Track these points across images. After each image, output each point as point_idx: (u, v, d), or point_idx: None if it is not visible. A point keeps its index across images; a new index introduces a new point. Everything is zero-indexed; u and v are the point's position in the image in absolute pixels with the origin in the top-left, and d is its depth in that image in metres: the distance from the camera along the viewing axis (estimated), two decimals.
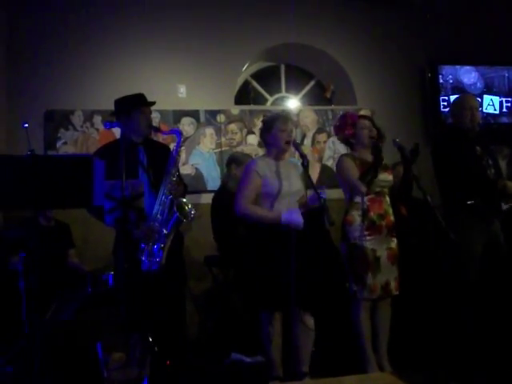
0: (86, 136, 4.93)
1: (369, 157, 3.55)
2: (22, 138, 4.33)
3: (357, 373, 3.30)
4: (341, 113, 5.35)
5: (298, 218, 3.12)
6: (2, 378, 2.57)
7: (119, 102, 3.47)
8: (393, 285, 3.46)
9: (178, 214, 3.17)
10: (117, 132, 4.61)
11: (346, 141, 3.67)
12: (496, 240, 3.53)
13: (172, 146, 3.50)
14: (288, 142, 3.28)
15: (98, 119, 4.92)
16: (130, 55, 5.10)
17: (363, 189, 3.40)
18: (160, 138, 4.28)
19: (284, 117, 3.44)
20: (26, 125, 3.23)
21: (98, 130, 4.93)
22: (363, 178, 3.38)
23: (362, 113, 5.26)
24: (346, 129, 3.59)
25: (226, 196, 4.46)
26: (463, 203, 3.47)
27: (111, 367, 1.22)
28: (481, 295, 3.43)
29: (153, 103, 3.51)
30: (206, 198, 4.80)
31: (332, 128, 5.23)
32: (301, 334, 3.26)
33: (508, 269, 3.52)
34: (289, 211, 3.14)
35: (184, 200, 3.28)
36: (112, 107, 3.59)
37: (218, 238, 4.45)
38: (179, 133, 3.41)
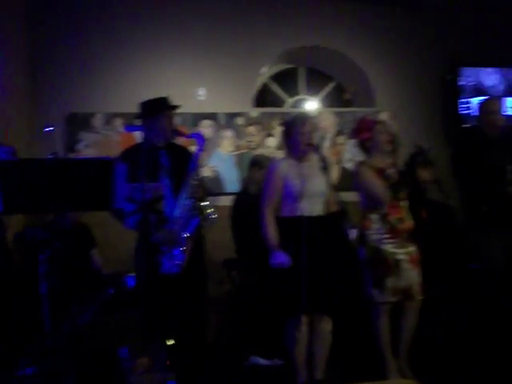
0: (107, 138, 4.99)
1: (384, 163, 3.55)
2: (44, 141, 4.41)
3: (377, 379, 3.27)
4: (360, 115, 5.37)
5: (281, 260, 3.12)
6: (24, 379, 2.60)
7: (144, 105, 3.47)
8: (416, 289, 3.43)
9: (198, 217, 3.18)
10: (138, 135, 4.64)
11: (362, 145, 3.67)
12: None
13: (193, 150, 3.51)
14: (309, 145, 3.27)
15: (118, 122, 4.97)
16: (151, 59, 5.14)
17: (386, 201, 3.40)
18: (179, 141, 4.29)
19: (303, 119, 3.43)
20: (51, 128, 3.26)
21: (118, 132, 4.98)
22: (390, 190, 3.39)
23: (381, 115, 5.26)
24: (363, 133, 3.59)
25: (247, 199, 4.46)
26: (480, 208, 3.46)
27: (137, 372, 1.22)
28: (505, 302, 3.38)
29: (177, 107, 3.52)
30: (225, 201, 4.79)
31: (350, 131, 5.25)
32: (317, 339, 3.25)
33: None
34: (278, 254, 3.13)
35: (204, 203, 3.29)
36: (132, 110, 3.61)
37: (238, 241, 4.45)
38: (201, 137, 3.42)
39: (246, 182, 4.65)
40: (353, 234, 3.06)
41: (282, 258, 3.12)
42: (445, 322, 3.69)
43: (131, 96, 4.69)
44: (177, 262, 3.20)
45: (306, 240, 3.11)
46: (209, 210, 3.26)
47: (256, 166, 4.49)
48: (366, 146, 3.63)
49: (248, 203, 4.36)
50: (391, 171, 3.54)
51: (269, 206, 3.27)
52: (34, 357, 3.13)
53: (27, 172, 2.49)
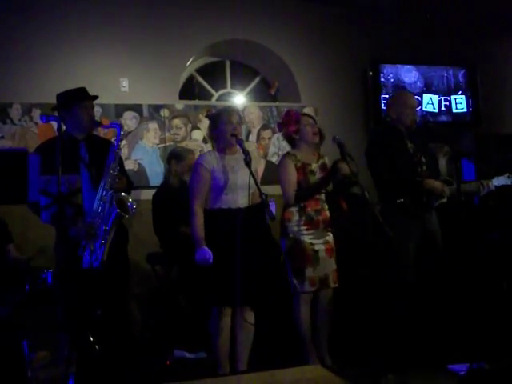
0: (25, 130, 4.78)
1: (310, 156, 3.61)
2: None
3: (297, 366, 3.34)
4: (285, 110, 5.44)
5: (204, 256, 3.12)
6: None
7: (60, 96, 3.40)
8: (331, 278, 3.54)
9: (117, 209, 3.12)
10: (56, 126, 4.50)
11: (289, 137, 3.72)
12: (431, 238, 3.60)
13: (113, 141, 3.45)
14: (233, 135, 3.29)
15: (37, 113, 4.77)
16: (72, 47, 4.97)
17: (292, 202, 3.49)
18: (101, 132, 4.20)
19: (229, 110, 3.46)
20: None
21: (36, 123, 4.77)
22: (299, 195, 3.47)
23: (305, 110, 5.35)
24: (289, 125, 3.64)
25: (167, 192, 4.43)
26: (394, 201, 3.52)
27: (36, 366, 1.19)
28: (415, 292, 3.50)
29: (95, 97, 3.45)
30: (149, 194, 4.73)
31: (276, 124, 5.33)
32: (241, 331, 3.28)
33: (443, 267, 3.62)
34: (203, 250, 3.13)
35: (123, 194, 3.24)
36: (52, 101, 3.51)
37: (160, 234, 4.41)
38: (119, 126, 3.36)
39: (166, 176, 4.62)
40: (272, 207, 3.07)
41: (205, 255, 3.12)
42: (360, 310, 3.82)
43: (51, 86, 4.53)
44: (98, 256, 3.15)
45: (233, 232, 3.14)
46: (128, 201, 3.22)
47: (174, 159, 4.47)
48: (292, 139, 3.68)
49: (169, 196, 4.34)
50: (316, 167, 3.62)
51: (197, 199, 3.25)
52: None
53: None
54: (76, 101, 3.31)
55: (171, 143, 5.14)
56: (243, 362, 3.31)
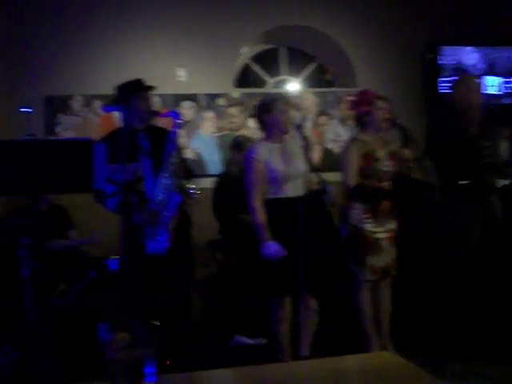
0: (86, 121, 4.92)
1: (378, 141, 3.49)
2: (23, 124, 4.35)
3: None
4: (341, 95, 5.37)
5: (274, 251, 3.09)
6: (7, 365, 2.58)
7: (118, 89, 3.47)
8: (391, 265, 3.46)
9: (179, 195, 3.17)
10: (117, 117, 4.59)
11: (358, 118, 3.55)
12: (493, 218, 3.45)
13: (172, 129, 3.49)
14: (289, 124, 3.24)
15: (97, 104, 4.89)
16: (129, 39, 5.06)
17: (350, 186, 3.39)
18: (161, 122, 4.25)
19: (284, 98, 3.40)
20: (28, 109, 3.21)
21: (98, 114, 4.91)
22: (357, 191, 3.37)
23: None
24: (363, 105, 3.47)
25: (228, 181, 4.45)
26: (456, 183, 3.36)
27: (115, 347, 1.22)
28: (479, 274, 3.38)
29: (152, 87, 3.49)
30: (207, 183, 4.77)
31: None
32: (305, 318, 3.26)
33: (506, 245, 3.48)
34: (271, 245, 3.10)
35: (184, 181, 3.29)
36: (111, 92, 3.58)
37: (221, 222, 4.44)
38: (176, 114, 3.40)
39: (228, 164, 4.64)
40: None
41: (274, 249, 3.09)
42: (425, 298, 3.73)
43: (110, 78, 4.58)
44: (162, 242, 3.21)
45: (295, 221, 3.07)
46: (188, 187, 3.26)
47: (235, 148, 4.48)
48: (361, 121, 3.52)
49: (230, 185, 4.36)
50: (382, 153, 3.50)
51: (255, 194, 3.19)
52: (15, 343, 3.11)
53: (4, 154, 2.45)
54: (134, 92, 3.36)
55: (228, 132, 5.16)
56: (306, 347, 3.29)
